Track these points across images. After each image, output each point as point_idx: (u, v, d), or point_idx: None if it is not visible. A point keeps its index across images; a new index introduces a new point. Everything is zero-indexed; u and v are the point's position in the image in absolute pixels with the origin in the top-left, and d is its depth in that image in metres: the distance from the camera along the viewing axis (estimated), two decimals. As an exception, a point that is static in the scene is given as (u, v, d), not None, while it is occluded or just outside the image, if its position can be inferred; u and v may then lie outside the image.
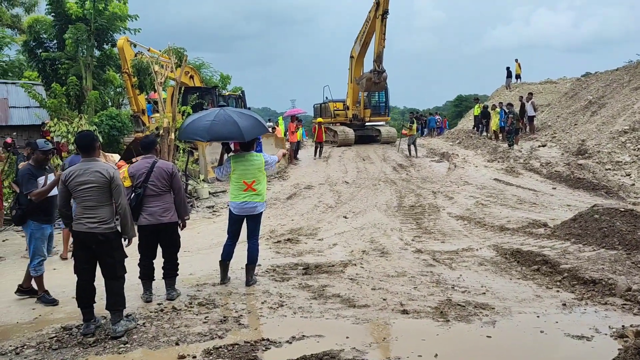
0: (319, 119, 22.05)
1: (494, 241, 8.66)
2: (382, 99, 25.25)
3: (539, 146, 19.13)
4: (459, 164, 18.32)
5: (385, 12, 20.21)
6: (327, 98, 27.52)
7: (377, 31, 20.49)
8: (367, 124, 24.81)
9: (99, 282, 5.04)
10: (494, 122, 22.69)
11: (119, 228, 5.02)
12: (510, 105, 20.74)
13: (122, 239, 5.02)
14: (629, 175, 14.37)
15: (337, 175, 16.98)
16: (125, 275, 5.08)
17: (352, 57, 24.19)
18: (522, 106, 22.09)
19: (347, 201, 13.04)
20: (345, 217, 11.25)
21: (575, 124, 20.56)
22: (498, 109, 22.54)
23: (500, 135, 22.30)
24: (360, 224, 10.49)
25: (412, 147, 20.77)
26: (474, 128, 26.80)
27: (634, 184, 13.64)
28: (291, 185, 15.39)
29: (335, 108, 25.39)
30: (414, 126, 21.38)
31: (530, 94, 23.15)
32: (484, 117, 25.05)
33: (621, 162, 15.28)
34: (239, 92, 21.71)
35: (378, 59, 20.75)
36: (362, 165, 18.98)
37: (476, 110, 26.91)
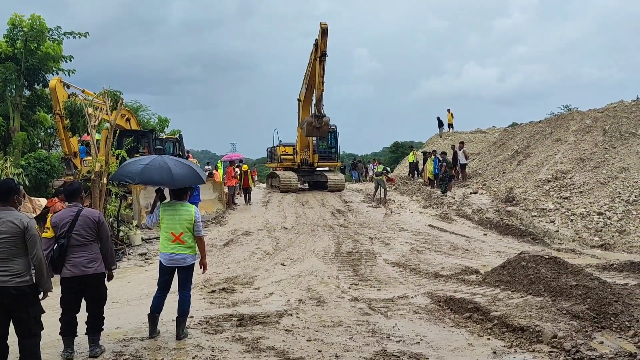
0: (243, 167, 21.91)
1: (429, 288, 8.78)
2: (332, 143, 25.66)
3: (471, 193, 19.84)
4: (395, 209, 18.70)
5: (324, 54, 20.65)
6: (280, 141, 27.79)
7: (317, 74, 20.94)
8: (317, 169, 25.00)
9: (12, 339, 4.68)
10: (429, 169, 23.42)
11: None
12: (443, 153, 21.53)
13: (39, 293, 4.71)
14: (552, 222, 15.09)
15: (276, 220, 16.91)
16: (43, 332, 4.74)
17: (299, 100, 24.54)
18: (455, 154, 22.96)
19: (285, 247, 12.93)
20: (282, 265, 11.12)
21: (504, 172, 21.53)
22: (432, 157, 23.32)
23: (435, 182, 23.02)
24: (297, 272, 10.38)
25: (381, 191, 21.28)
26: (409, 174, 27.57)
27: (557, 230, 14.32)
28: (228, 231, 15.13)
29: (283, 152, 25.47)
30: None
31: (462, 142, 24.16)
32: (424, 161, 25.87)
33: (545, 209, 16.06)
34: (177, 135, 21.43)
35: (318, 102, 21.18)
36: (301, 210, 19.00)
37: (411, 157, 27.77)
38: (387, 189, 21.29)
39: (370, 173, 34.62)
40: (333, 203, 20.61)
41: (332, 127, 25.49)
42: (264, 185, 31.33)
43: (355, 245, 12.94)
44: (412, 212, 18.10)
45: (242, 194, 21.06)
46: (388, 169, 22.50)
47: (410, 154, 28.19)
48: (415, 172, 27.49)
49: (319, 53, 20.68)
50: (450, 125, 35.13)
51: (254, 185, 24.17)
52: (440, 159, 21.55)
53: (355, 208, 19.44)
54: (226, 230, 15.31)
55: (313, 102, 21.37)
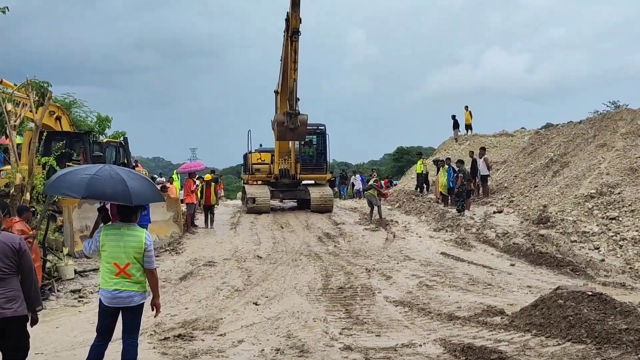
0: (206, 177, 21.88)
1: (441, 334, 8.82)
2: (320, 148, 25.82)
3: (494, 212, 20.02)
4: (399, 233, 18.83)
5: (295, 32, 20.74)
6: (261, 145, 27.80)
7: (288, 58, 20.98)
8: (302, 182, 25.14)
9: None
10: (441, 182, 23.58)
11: None
12: (460, 162, 21.73)
13: None
14: (597, 249, 15.25)
15: (248, 247, 16.95)
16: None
17: (276, 92, 24.63)
18: (474, 163, 23.19)
19: (259, 282, 12.93)
20: (255, 304, 11.11)
21: (536, 186, 21.75)
22: (446, 167, 23.48)
23: (449, 198, 23.15)
24: (274, 313, 10.38)
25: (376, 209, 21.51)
26: (416, 189, 27.74)
27: (603, 260, 14.46)
28: (187, 261, 15.10)
29: (258, 160, 25.63)
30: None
31: (483, 148, 24.37)
32: (436, 172, 26.08)
33: (588, 232, 16.23)
34: (121, 138, 21.35)
35: (290, 95, 21.23)
36: (279, 234, 19.04)
37: (419, 166, 27.97)
38: (382, 205, 21.50)
39: (358, 186, 34.91)
40: (320, 225, 20.66)
41: (320, 128, 25.67)
42: (235, 202, 31.35)
43: (348, 279, 12.97)
44: (420, 237, 18.23)
45: (204, 213, 21.05)
46: (381, 182, 22.71)
47: (418, 162, 28.39)
48: (425, 186, 27.65)
49: (290, 31, 20.75)
50: (468, 127, 35.48)
51: (217, 203, 24.18)
52: (456, 169, 21.74)
53: (348, 231, 19.53)
54: (184, 260, 15.28)
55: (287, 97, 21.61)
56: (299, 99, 21.87)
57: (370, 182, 22.75)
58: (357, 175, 38.22)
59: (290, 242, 17.65)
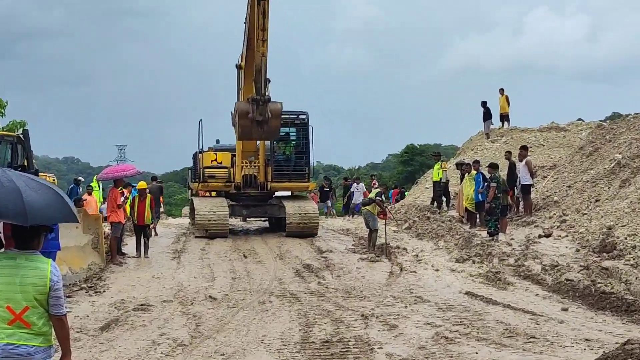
0: (139, 185, 21.72)
1: (466, 406, 8.81)
2: (301, 145, 26.00)
3: (540, 236, 20.16)
4: (408, 265, 19.00)
5: None
6: (218, 141, 27.76)
7: (254, 24, 20.77)
8: (275, 194, 25.42)
9: None
10: (467, 193, 23.61)
11: None
12: (493, 166, 21.83)
13: None
14: (682, 287, 15.31)
15: (197, 284, 16.99)
16: None
17: (238, 67, 24.42)
18: (512, 168, 23.27)
19: (211, 334, 12.88)
20: (207, 364, 11.06)
21: (597, 200, 21.83)
22: (473, 173, 23.56)
23: (477, 216, 23.18)
24: (233, 377, 10.33)
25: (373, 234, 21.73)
26: (432, 203, 27.77)
27: (690, 303, 14.51)
28: (110, 304, 15.02)
29: (213, 162, 25.78)
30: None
31: (525, 148, 24.44)
32: (460, 179, 26.18)
33: (669, 265, 16.29)
34: (19, 131, 21.29)
35: (258, 76, 20.95)
36: (241, 266, 19.08)
37: (436, 172, 28.02)
38: (384, 226, 21.61)
39: (357, 199, 34.95)
40: (299, 254, 20.71)
41: (302, 117, 25.65)
42: (180, 221, 31.21)
43: (336, 329, 12.95)
44: (437, 270, 18.39)
45: (135, 237, 20.94)
46: (382, 196, 22.67)
47: (435, 166, 28.47)
48: (444, 199, 27.69)
49: None
50: (504, 118, 35.68)
51: (154, 223, 24.34)
52: (487, 175, 21.88)
53: (338, 262, 19.68)
54: (107, 303, 15.20)
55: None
56: (269, 81, 21.85)
57: (372, 194, 22.71)
58: (359, 184, 38.26)
59: (257, 278, 17.68)
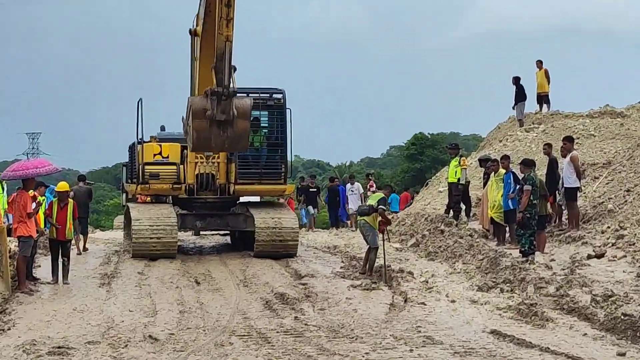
0: (59, 187, 21.38)
1: None
2: (276, 133, 25.89)
3: (590, 257, 20.06)
4: (415, 294, 18.90)
5: None
6: (163, 128, 27.51)
7: None
8: (240, 199, 25.57)
9: None
10: (493, 199, 23.45)
11: None
12: (528, 164, 21.61)
13: None
14: None
15: (132, 319, 16.84)
16: None
17: (193, 33, 23.74)
18: (553, 166, 23.19)
19: (151, 388, 12.65)
20: None
21: (665, 209, 21.75)
22: (502, 172, 23.38)
23: (507, 229, 22.96)
24: None
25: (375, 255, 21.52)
26: (448, 212, 27.66)
27: None
28: (17, 346, 14.75)
29: (157, 156, 25.62)
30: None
31: (570, 139, 24.35)
32: (484, 181, 26.02)
33: None
34: None
35: (220, 63, 20.28)
36: (192, 296, 19.11)
37: (453, 171, 27.82)
38: (385, 241, 21.58)
39: (354, 205, 34.83)
40: (270, 279, 20.78)
41: (276, 96, 25.40)
42: (112, 234, 30.96)
43: (318, 383, 12.72)
44: (453, 301, 18.28)
45: (51, 256, 20.69)
46: (386, 203, 22.30)
47: (452, 163, 28.29)
48: (463, 207, 27.56)
49: None
50: (542, 99, 35.69)
51: (79, 238, 24.21)
52: (521, 175, 21.77)
53: (322, 290, 19.62)
54: (12, 344, 14.93)
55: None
56: (235, 69, 21.20)
57: (371, 200, 22.20)
58: (355, 185, 38.11)
59: (213, 312, 17.53)
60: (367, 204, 22.59)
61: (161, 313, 17.33)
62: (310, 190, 39.38)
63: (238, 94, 20.99)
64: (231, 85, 20.39)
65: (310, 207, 38.61)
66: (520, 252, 20.62)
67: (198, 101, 20.79)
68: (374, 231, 20.97)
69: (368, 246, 21.35)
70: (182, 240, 25.05)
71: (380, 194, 22.57)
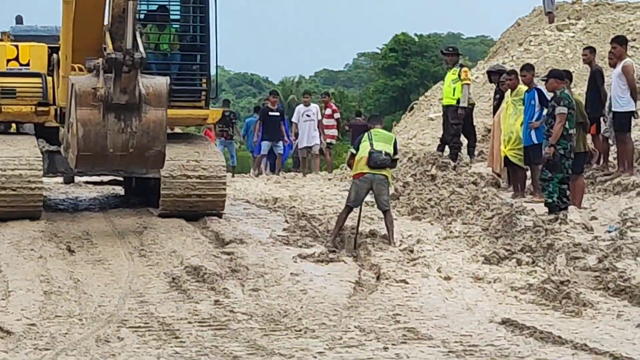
0: None
1: None
2: (193, 35, 26.08)
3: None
4: (393, 269, 18.99)
5: None
6: (20, 20, 27.44)
7: None
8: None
9: None
10: (509, 129, 23.63)
11: None
12: (559, 76, 21.77)
13: None
14: None
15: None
16: None
17: None
18: (595, 81, 23.35)
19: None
20: None
21: None
22: (522, 90, 23.53)
23: (528, 173, 23.23)
24: None
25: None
26: (441, 148, 27.88)
27: None
28: None
29: (11, 64, 25.58)
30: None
31: (621, 41, 24.44)
32: (494, 104, 26.25)
33: None
34: None
35: (113, 23, 19.98)
36: (63, 269, 19.13)
37: (449, 87, 27.93)
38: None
39: (309, 139, 34.96)
40: (179, 246, 20.89)
41: None
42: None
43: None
44: (447, 278, 18.42)
45: None
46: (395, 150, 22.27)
47: (449, 76, 28.38)
48: (464, 141, 27.75)
49: None
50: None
51: None
52: (550, 95, 21.78)
53: (256, 262, 19.63)
54: None
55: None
56: (141, 31, 20.75)
57: (379, 141, 21.99)
58: (310, 106, 37.88)
59: (94, 293, 17.52)
60: (378, 149, 21.90)
61: (16, 294, 17.15)
62: (271, 114, 38.85)
63: (149, 73, 20.79)
64: (138, 50, 19.68)
65: (267, 142, 37.70)
66: (547, 205, 20.83)
67: (84, 80, 20.27)
68: (387, 186, 21.07)
69: (346, 207, 21.52)
70: (50, 189, 24.87)
71: (390, 134, 22.77)
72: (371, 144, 21.69)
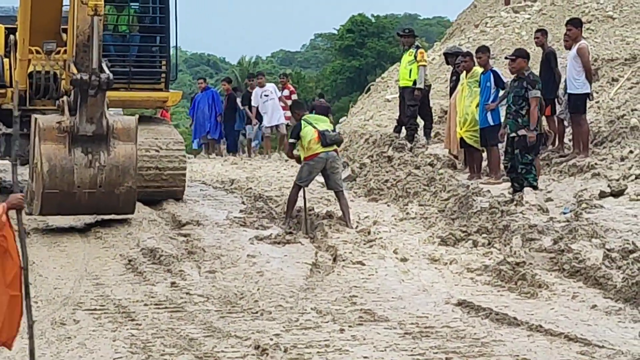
0: None
1: None
2: (151, 16, 25.95)
3: (603, 194, 20.37)
4: (350, 250, 19.08)
5: None
6: None
7: None
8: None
9: None
10: (463, 112, 23.67)
11: None
12: (526, 56, 21.78)
13: None
14: None
15: None
16: None
17: None
18: (549, 63, 23.44)
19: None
20: None
21: None
22: (478, 71, 23.58)
23: (484, 154, 23.29)
24: None
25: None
26: (398, 130, 27.89)
27: None
28: None
29: None
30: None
31: (576, 23, 24.54)
32: (450, 85, 26.23)
33: None
34: None
35: (78, 53, 19.70)
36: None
37: (406, 69, 28.01)
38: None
39: (269, 119, 34.95)
40: (135, 228, 20.89)
41: None
42: None
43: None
44: (403, 260, 18.55)
45: None
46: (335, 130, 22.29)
47: (405, 58, 28.42)
48: (421, 123, 27.77)
49: None
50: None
51: None
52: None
53: (212, 244, 19.78)
54: None
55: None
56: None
57: (320, 122, 22.01)
58: (267, 86, 37.81)
59: (50, 275, 17.58)
60: (325, 128, 21.84)
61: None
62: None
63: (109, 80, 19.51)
64: (104, 72, 19.37)
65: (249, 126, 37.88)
66: (532, 187, 20.80)
67: (48, 117, 20.03)
68: (339, 163, 21.06)
69: (295, 185, 21.48)
70: (5, 171, 24.81)
71: (323, 117, 22.81)
72: (314, 127, 21.74)
